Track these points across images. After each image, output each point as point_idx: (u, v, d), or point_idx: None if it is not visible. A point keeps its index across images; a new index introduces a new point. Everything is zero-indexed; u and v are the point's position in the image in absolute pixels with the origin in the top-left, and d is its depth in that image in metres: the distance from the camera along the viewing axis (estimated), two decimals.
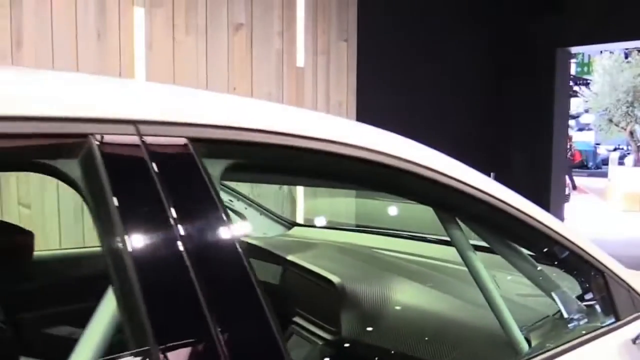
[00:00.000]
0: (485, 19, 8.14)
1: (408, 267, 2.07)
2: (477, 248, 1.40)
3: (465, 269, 1.41)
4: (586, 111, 29.82)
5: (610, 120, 22.42)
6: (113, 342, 0.71)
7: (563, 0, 7.49)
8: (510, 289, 1.67)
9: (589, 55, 25.68)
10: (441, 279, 1.97)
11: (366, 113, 6.20)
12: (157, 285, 0.69)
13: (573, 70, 25.99)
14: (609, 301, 1.50)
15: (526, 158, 7.88)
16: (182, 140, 0.78)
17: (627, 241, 9.90)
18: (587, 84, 26.20)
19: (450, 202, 1.26)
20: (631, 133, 22.10)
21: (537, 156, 7.93)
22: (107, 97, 0.78)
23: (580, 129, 34.00)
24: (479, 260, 1.37)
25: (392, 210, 2.84)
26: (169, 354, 0.66)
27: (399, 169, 1.04)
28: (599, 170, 26.59)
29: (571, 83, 23.69)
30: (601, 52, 21.21)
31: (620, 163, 22.59)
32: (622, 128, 22.25)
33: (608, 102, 21.94)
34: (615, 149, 30.46)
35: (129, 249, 0.67)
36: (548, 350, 1.33)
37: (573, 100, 25.09)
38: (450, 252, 1.82)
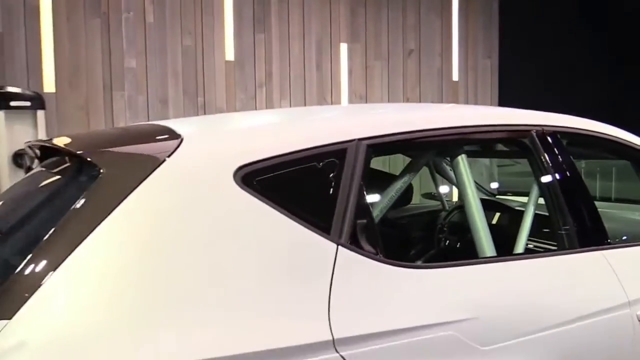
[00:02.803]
0: (610, 23, 9.10)
1: None
2: None
3: None
4: None
5: None
6: None
7: None
8: None
9: None
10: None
11: None
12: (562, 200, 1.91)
13: None
14: None
15: None
16: (534, 133, 2.05)
17: None
18: None
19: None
20: None
21: None
22: (529, 116, 2.10)
23: None
24: None
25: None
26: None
27: (614, 142, 2.24)
28: None
29: None
30: None
31: None
32: None
33: None
34: None
35: (553, 180, 1.92)
36: None
37: None
38: None
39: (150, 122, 1.86)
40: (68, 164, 1.51)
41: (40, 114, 3.72)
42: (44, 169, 1.71)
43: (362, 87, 6.14)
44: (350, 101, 6.07)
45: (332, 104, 5.93)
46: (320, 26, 5.75)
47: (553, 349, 1.63)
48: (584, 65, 8.86)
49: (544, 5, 8.20)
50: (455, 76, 7.00)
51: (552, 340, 1.63)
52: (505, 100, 7.52)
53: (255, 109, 5.33)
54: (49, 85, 4.38)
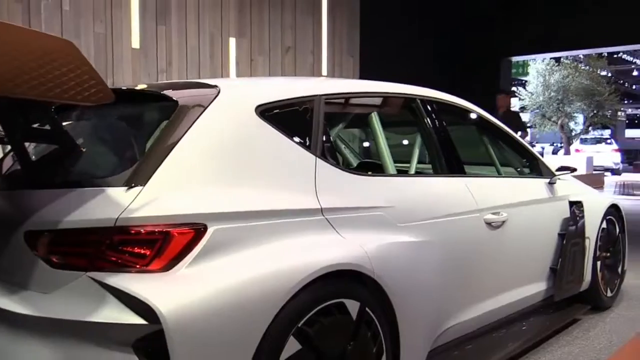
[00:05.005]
0: (447, 31, 10.63)
1: None
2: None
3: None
4: (522, 109, 32.34)
5: (544, 116, 25.60)
6: None
7: (508, 19, 10.02)
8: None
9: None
10: None
11: None
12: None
13: None
14: (539, 169, 3.83)
15: None
16: (419, 100, 3.00)
17: None
18: (523, 84, 28.97)
19: (481, 126, 3.54)
20: (562, 126, 25.35)
21: None
22: (414, 90, 3.03)
23: None
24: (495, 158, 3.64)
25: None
26: None
27: (464, 110, 3.29)
28: None
29: None
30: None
31: (554, 153, 26.00)
32: (554, 122, 25.46)
33: (541, 99, 25.11)
34: (551, 144, 33.78)
35: (433, 135, 2.88)
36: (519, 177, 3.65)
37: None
38: None
39: (188, 80, 2.60)
40: (147, 100, 2.27)
41: None
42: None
43: (247, 77, 6.92)
44: None
45: None
46: (213, 21, 6.46)
47: (438, 231, 2.58)
48: (431, 63, 10.32)
49: (398, 13, 9.49)
50: (324, 71, 8.00)
51: (436, 226, 2.58)
52: None
53: None
54: None
